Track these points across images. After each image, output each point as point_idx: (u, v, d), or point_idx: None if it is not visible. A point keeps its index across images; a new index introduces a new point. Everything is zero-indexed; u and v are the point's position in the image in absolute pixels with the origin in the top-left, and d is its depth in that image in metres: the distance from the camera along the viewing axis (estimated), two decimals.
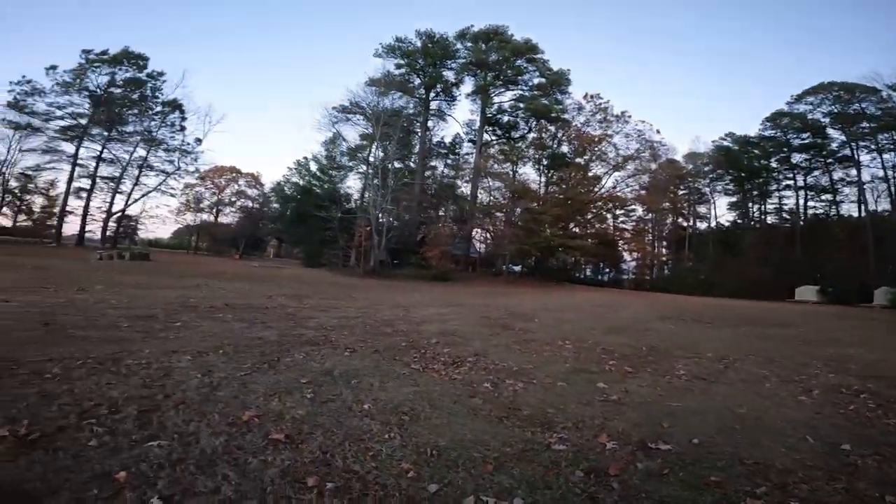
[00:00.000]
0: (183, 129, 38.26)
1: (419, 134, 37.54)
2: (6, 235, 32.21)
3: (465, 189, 38.23)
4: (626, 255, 41.87)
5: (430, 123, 38.42)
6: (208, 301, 8.95)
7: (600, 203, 37.29)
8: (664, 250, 44.67)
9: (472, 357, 5.59)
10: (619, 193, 37.33)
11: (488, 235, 38.96)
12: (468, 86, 38.11)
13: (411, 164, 36.68)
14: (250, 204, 47.90)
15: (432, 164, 40.61)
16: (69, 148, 34.12)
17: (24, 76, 32.06)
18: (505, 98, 38.04)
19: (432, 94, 37.69)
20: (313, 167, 37.96)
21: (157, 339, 5.20)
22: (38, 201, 37.10)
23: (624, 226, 42.23)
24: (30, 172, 34.86)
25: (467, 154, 40.03)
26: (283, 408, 3.29)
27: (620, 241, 40.41)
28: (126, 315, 6.47)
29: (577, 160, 36.75)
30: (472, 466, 2.57)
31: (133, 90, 35.81)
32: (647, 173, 37.26)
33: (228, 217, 47.79)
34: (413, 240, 32.26)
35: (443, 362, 5.21)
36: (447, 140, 41.00)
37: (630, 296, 24.86)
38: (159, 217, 49.02)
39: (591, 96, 35.95)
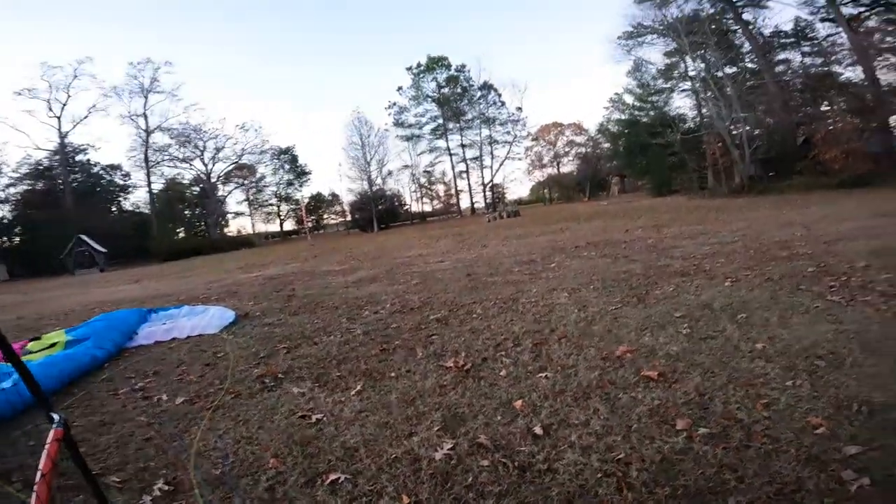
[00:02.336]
0: (502, 103, 49.08)
1: (739, 31, 30.02)
2: (432, 217, 52.66)
3: (849, 74, 26.34)
4: None
5: (746, 16, 29.63)
6: (572, 241, 9.97)
7: None
8: None
9: None
10: None
11: None
12: None
13: (747, 65, 30.08)
14: (583, 149, 53.92)
15: (779, 57, 30.89)
16: (442, 143, 50.49)
17: (391, 101, 49.23)
18: None
19: None
20: (629, 99, 37.95)
21: (539, 279, 6.18)
22: (440, 188, 56.73)
23: None
24: (428, 169, 53.41)
25: (831, 36, 27.27)
26: (656, 343, 3.19)
27: None
28: (515, 261, 8.07)
29: None
30: None
31: (455, 85, 49.07)
32: None
33: (567, 166, 55.28)
34: (791, 146, 24.93)
35: (880, 293, 3.70)
36: (784, 27, 29.51)
37: None
38: (517, 179, 66.58)
39: None
